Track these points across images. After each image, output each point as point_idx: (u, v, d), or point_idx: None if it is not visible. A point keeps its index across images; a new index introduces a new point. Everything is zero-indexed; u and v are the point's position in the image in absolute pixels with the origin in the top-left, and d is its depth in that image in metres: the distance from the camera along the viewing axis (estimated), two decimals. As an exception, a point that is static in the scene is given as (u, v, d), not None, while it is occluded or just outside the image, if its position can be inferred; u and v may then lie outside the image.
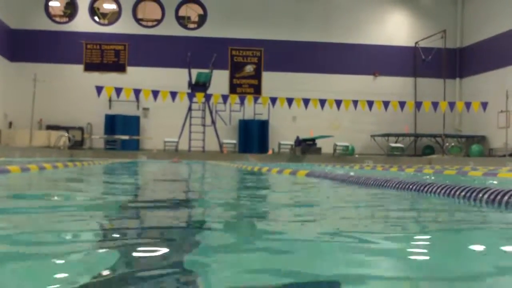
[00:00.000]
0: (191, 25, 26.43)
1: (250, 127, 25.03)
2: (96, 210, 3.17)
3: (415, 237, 2.27)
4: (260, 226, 2.59)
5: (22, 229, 2.33)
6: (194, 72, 22.62)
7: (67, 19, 25.64)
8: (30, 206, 3.35)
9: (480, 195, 3.12)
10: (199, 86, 22.47)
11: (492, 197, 3.01)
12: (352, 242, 2.07)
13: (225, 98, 21.77)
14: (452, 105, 22.59)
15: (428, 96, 24.44)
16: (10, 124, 23.77)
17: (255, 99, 22.83)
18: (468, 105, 21.47)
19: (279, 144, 23.72)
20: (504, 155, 20.90)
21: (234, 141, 23.88)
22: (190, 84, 22.72)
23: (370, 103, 20.83)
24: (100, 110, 24.26)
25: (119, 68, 25.33)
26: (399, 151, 23.52)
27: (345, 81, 25.81)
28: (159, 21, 25.95)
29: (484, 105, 21.05)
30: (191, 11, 26.53)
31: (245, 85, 26.03)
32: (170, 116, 23.44)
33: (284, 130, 24.91)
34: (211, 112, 23.21)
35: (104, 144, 23.68)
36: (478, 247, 2.00)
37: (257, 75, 26.16)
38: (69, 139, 22.00)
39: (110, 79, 24.08)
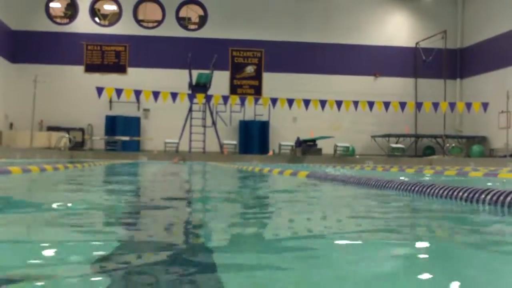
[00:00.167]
0: (192, 26, 26.44)
1: (250, 128, 25.03)
2: (97, 211, 3.16)
3: (417, 239, 2.27)
4: (262, 227, 2.58)
5: (22, 230, 2.33)
6: (195, 73, 22.64)
7: (67, 20, 25.66)
8: (30, 207, 3.35)
9: (483, 196, 3.11)
10: (199, 87, 22.48)
11: (495, 198, 3.01)
12: (353, 243, 2.06)
13: (225, 99, 21.77)
14: (452, 105, 22.58)
15: (428, 96, 24.43)
16: (11, 125, 23.77)
17: (256, 100, 22.82)
18: (468, 105, 21.46)
19: (280, 145, 23.72)
20: (505, 156, 20.89)
21: (235, 142, 23.89)
22: (190, 85, 22.74)
23: (371, 104, 20.82)
24: (100, 111, 24.27)
25: (120, 69, 25.34)
26: (400, 152, 23.52)
27: (346, 82, 25.80)
28: (159, 22, 25.96)
29: (485, 105, 21.04)
30: (192, 12, 26.54)
31: (246, 86, 26.03)
32: (171, 117, 23.44)
33: (285, 131, 24.91)
34: (211, 113, 23.21)
35: (105, 145, 23.68)
36: (481, 248, 1.99)
37: (258, 76, 26.16)
38: (70, 140, 22.01)
39: (110, 80, 24.09)
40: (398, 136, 24.74)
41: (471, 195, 3.22)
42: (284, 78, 25.71)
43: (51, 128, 23.72)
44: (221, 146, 22.93)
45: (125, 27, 25.66)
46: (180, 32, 25.87)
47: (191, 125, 22.95)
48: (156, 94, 20.20)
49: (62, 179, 7.09)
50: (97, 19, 25.86)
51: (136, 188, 5.80)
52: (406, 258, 1.80)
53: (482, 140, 24.59)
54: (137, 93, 20.50)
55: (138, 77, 24.72)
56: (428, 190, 3.81)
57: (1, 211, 3.09)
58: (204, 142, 22.84)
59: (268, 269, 1.58)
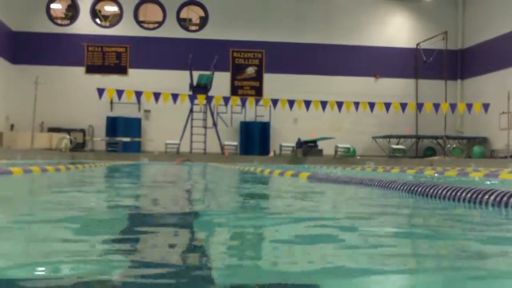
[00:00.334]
0: (193, 27, 26.45)
1: (251, 129, 25.03)
2: (97, 213, 3.16)
3: (419, 240, 2.27)
4: (264, 229, 2.58)
5: (22, 231, 2.33)
6: (196, 74, 22.65)
7: (68, 21, 25.68)
8: (30, 208, 3.35)
9: (486, 196, 3.11)
10: (200, 88, 22.48)
11: (498, 199, 3.00)
12: (355, 245, 2.06)
13: (226, 100, 21.77)
14: (453, 106, 22.57)
15: (429, 97, 24.41)
16: (12, 126, 23.77)
17: (257, 101, 22.81)
18: (469, 106, 21.45)
19: (281, 146, 23.71)
20: (506, 157, 20.87)
21: (236, 143, 23.88)
22: (191, 86, 22.74)
23: (372, 105, 20.81)
24: (101, 112, 24.28)
25: (121, 70, 25.35)
26: (401, 153, 23.51)
27: (347, 83, 25.80)
28: (160, 23, 25.97)
29: (486, 106, 21.03)
30: (193, 13, 26.55)
31: (247, 87, 26.03)
32: (172, 118, 23.44)
33: (286, 132, 24.90)
34: (212, 114, 23.22)
35: (106, 146, 23.68)
36: (483, 250, 1.99)
37: (258, 77, 26.16)
38: (71, 142, 22.01)
39: (111, 81, 24.09)
40: (399, 137, 24.72)
41: (474, 195, 3.22)
42: (285, 79, 25.71)
43: (52, 129, 23.71)
44: (222, 147, 22.93)
45: (126, 28, 25.67)
46: (181, 33, 25.88)
47: (192, 126, 22.96)
48: (157, 95, 20.20)
49: (62, 180, 7.09)
50: (98, 20, 25.87)
51: (136, 190, 5.80)
52: (407, 259, 1.80)
53: (483, 141, 24.57)
54: (138, 94, 20.50)
55: (139, 78, 24.72)
56: (431, 191, 3.81)
57: (1, 211, 3.09)
58: (205, 143, 22.84)
59: (272, 271, 1.58)
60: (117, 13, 25.95)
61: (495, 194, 3.06)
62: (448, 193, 3.51)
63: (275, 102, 21.03)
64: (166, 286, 1.35)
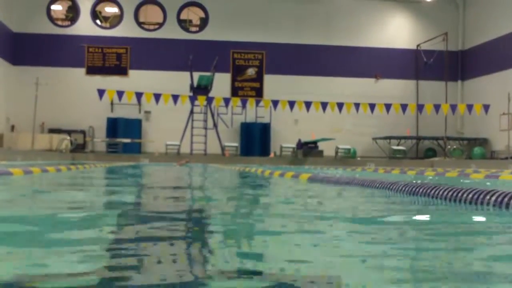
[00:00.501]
0: (193, 28, 26.46)
1: (251, 130, 25.03)
2: (97, 214, 3.16)
3: (420, 240, 2.27)
4: (266, 232, 2.58)
5: (22, 232, 2.33)
6: (196, 75, 22.66)
7: (69, 22, 25.70)
8: (30, 209, 3.35)
9: (488, 197, 3.11)
10: (201, 89, 22.49)
11: (499, 199, 3.00)
12: (357, 247, 2.06)
13: (227, 101, 21.76)
14: (454, 107, 22.56)
15: (430, 98, 24.42)
16: (13, 127, 23.78)
17: (257, 102, 22.81)
18: (470, 107, 21.44)
19: (281, 147, 23.71)
20: (506, 158, 20.87)
21: (236, 144, 23.88)
22: (192, 87, 22.76)
23: (372, 106, 20.79)
24: (102, 113, 24.28)
25: (121, 71, 25.36)
26: (401, 154, 23.51)
27: (347, 84, 25.79)
28: (160, 25, 25.97)
29: (486, 107, 21.02)
30: (193, 14, 26.56)
31: (247, 88, 26.04)
32: (172, 119, 23.43)
33: (286, 133, 24.89)
34: (212, 115, 23.22)
35: (106, 147, 23.69)
36: (486, 251, 1.99)
37: (259, 78, 26.16)
38: (71, 143, 22.01)
39: (112, 82, 24.09)
40: (399, 138, 24.72)
41: (475, 196, 3.22)
42: (286, 80, 25.71)
43: (52, 131, 23.71)
44: (223, 148, 22.94)
45: (126, 29, 25.68)
46: (181, 35, 25.89)
47: (192, 127, 22.97)
48: (157, 96, 20.20)
49: (63, 181, 7.09)
50: (98, 22, 25.88)
51: (137, 191, 5.80)
52: (408, 260, 1.80)
53: (483, 142, 24.57)
54: (139, 95, 20.50)
55: (140, 79, 24.73)
56: (432, 191, 3.81)
57: (2, 212, 3.09)
58: (205, 144, 22.85)
59: (273, 272, 1.58)
60: (118, 14, 25.96)
61: (496, 194, 3.06)
62: (450, 194, 3.51)
63: (275, 103, 21.03)
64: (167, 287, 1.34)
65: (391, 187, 4.54)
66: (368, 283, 1.43)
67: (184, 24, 26.25)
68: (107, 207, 3.63)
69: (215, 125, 23.16)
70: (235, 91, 25.79)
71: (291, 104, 20.69)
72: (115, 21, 25.99)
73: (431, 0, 26.42)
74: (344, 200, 4.53)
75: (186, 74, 22.85)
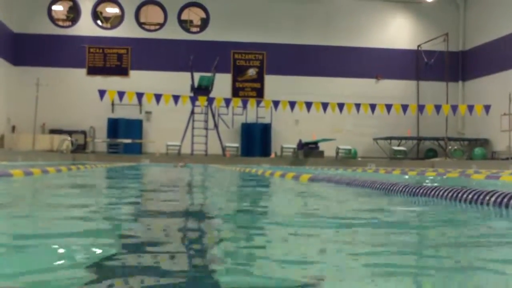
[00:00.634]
0: (194, 29, 26.47)
1: (252, 131, 25.03)
2: (98, 215, 3.16)
3: (421, 242, 2.27)
4: (268, 233, 2.58)
5: (22, 234, 2.33)
6: (197, 75, 22.67)
7: (70, 23, 25.71)
8: (30, 210, 3.35)
9: (487, 198, 3.10)
10: (201, 90, 22.50)
11: (499, 200, 3.00)
12: (357, 246, 2.06)
13: (227, 101, 21.76)
14: (454, 108, 22.55)
15: (430, 99, 24.40)
16: (13, 128, 23.79)
17: (258, 103, 22.81)
18: (470, 108, 21.43)
19: (282, 148, 23.70)
20: (507, 158, 20.85)
21: (237, 145, 23.87)
22: (192, 88, 22.77)
23: (373, 107, 20.78)
24: (102, 114, 24.28)
25: (122, 72, 25.37)
26: (402, 154, 23.50)
27: (348, 85, 25.79)
28: (161, 25, 25.98)
29: (487, 108, 21.00)
30: (194, 15, 26.57)
31: (248, 89, 26.04)
32: (173, 120, 23.44)
33: (287, 134, 24.89)
34: (213, 116, 23.23)
35: (107, 148, 23.70)
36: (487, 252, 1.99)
37: (260, 79, 26.17)
38: (72, 143, 22.02)
39: (112, 83, 24.11)
40: (400, 138, 24.71)
41: (475, 197, 3.22)
42: (286, 81, 25.71)
43: (53, 131, 23.72)
44: (223, 148, 22.94)
45: (127, 30, 25.69)
46: (182, 35, 25.90)
47: (193, 128, 22.97)
48: (158, 97, 20.21)
49: (63, 181, 7.09)
50: (99, 22, 25.89)
51: (137, 192, 5.80)
52: (410, 262, 1.80)
53: (484, 142, 24.55)
54: (139, 95, 20.50)
55: (140, 79, 24.74)
56: (433, 192, 3.81)
57: (2, 212, 3.09)
58: (206, 144, 22.86)
59: (275, 275, 1.58)
60: (118, 14, 25.97)
61: (496, 195, 3.06)
62: (450, 194, 3.51)
63: (276, 103, 21.03)
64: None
65: (391, 188, 4.54)
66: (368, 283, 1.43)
67: (184, 25, 26.26)
68: (107, 208, 3.63)
69: (215, 126, 23.16)
70: (235, 92, 25.79)
71: (292, 104, 20.68)
72: (116, 21, 26.00)
73: (432, 1, 26.41)
74: (344, 200, 4.53)
75: (187, 75, 22.86)
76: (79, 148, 23.03)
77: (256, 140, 24.82)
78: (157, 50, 25.38)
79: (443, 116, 23.60)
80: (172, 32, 25.74)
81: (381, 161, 22.26)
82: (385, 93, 25.38)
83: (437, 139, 24.86)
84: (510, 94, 21.16)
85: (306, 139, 23.16)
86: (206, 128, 23.13)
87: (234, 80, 26.05)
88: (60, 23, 25.65)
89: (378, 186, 4.82)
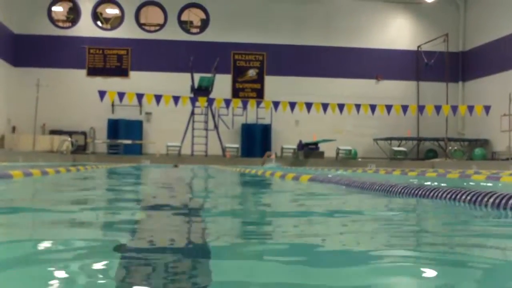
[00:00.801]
0: (194, 30, 26.47)
1: (252, 131, 25.03)
2: (98, 217, 3.17)
3: (422, 243, 2.27)
4: (269, 235, 2.58)
5: (22, 235, 2.33)
6: (197, 76, 22.67)
7: (70, 24, 25.72)
8: (30, 211, 3.35)
9: (486, 199, 3.11)
10: (201, 91, 22.50)
11: (497, 201, 3.00)
12: (359, 250, 2.06)
13: (227, 102, 21.77)
14: (454, 108, 22.55)
15: (430, 99, 24.40)
16: (14, 128, 23.80)
17: (258, 103, 22.81)
18: (471, 108, 21.43)
19: (282, 148, 23.70)
20: (507, 159, 20.85)
21: (237, 145, 23.87)
22: (192, 89, 22.77)
23: (373, 107, 20.79)
24: (103, 114, 24.29)
25: (122, 72, 25.38)
26: (402, 155, 23.49)
27: (348, 85, 25.79)
28: (161, 26, 25.99)
29: (487, 108, 21.00)
30: (194, 16, 26.57)
31: (248, 89, 26.05)
32: (173, 121, 23.45)
33: (287, 134, 24.89)
34: (213, 117, 23.23)
35: (107, 148, 23.70)
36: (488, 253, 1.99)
37: (260, 79, 26.17)
38: (72, 144, 22.03)
39: (113, 83, 24.11)
40: (400, 139, 24.70)
41: (474, 197, 3.22)
42: (286, 81, 25.71)
43: (53, 132, 23.73)
44: (223, 149, 22.94)
45: (127, 30, 25.69)
46: (182, 36, 25.90)
47: (193, 129, 22.98)
48: (158, 98, 20.21)
49: (64, 182, 7.10)
50: (99, 23, 25.90)
51: (138, 193, 5.81)
52: (410, 262, 1.80)
53: (484, 143, 24.54)
54: (139, 96, 20.51)
55: (140, 80, 24.74)
56: (432, 193, 3.81)
57: (3, 213, 3.09)
58: (206, 145, 22.86)
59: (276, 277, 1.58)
60: (118, 15, 25.98)
61: (494, 196, 3.06)
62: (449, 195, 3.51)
63: (276, 104, 21.03)
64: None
65: (390, 189, 4.55)
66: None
67: (185, 26, 26.27)
68: (103, 208, 3.64)
69: (216, 126, 23.16)
70: (235, 92, 25.80)
71: (292, 105, 20.68)
72: (116, 22, 26.01)
73: (432, 1, 26.41)
74: (344, 201, 4.53)
75: (187, 76, 22.87)
76: (79, 149, 23.04)
77: (256, 141, 24.82)
78: (157, 51, 25.38)
79: (443, 116, 23.60)
80: (172, 33, 25.75)
81: (381, 161, 22.26)
82: (385, 94, 25.39)
83: (437, 139, 24.86)
84: (510, 94, 21.16)
85: (306, 139, 23.16)
86: (206, 129, 23.14)
87: (234, 81, 26.06)
88: (60, 24, 25.66)
89: (377, 187, 4.82)
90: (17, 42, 24.44)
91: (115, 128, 24.33)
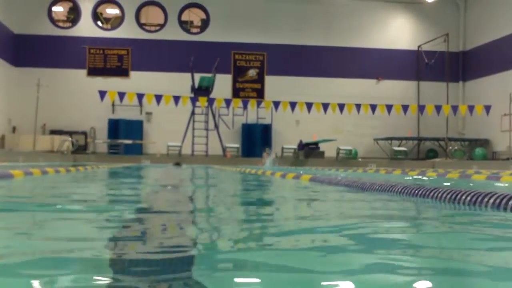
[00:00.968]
0: (194, 30, 26.47)
1: (253, 131, 25.03)
2: (98, 217, 3.17)
3: (421, 243, 2.27)
4: (269, 235, 2.58)
5: (22, 234, 2.34)
6: (197, 76, 22.67)
7: (70, 24, 25.73)
8: (30, 212, 3.36)
9: (486, 199, 3.11)
10: (202, 91, 22.51)
11: (497, 201, 3.01)
12: (360, 250, 2.06)
13: (228, 102, 21.78)
14: (455, 108, 22.56)
15: (431, 99, 24.39)
16: (14, 129, 23.81)
17: (258, 103, 22.83)
18: (471, 108, 21.43)
19: (282, 148, 23.71)
20: (508, 158, 20.85)
21: (237, 145, 23.88)
22: (193, 89, 22.78)
23: (373, 107, 20.80)
24: (103, 114, 24.30)
25: (122, 72, 25.38)
26: (402, 155, 23.50)
27: (348, 85, 25.79)
28: (162, 26, 25.99)
29: (487, 108, 21.01)
30: (194, 16, 26.58)
31: (248, 89, 26.05)
32: (173, 121, 23.46)
33: (287, 134, 24.89)
34: (214, 116, 23.23)
35: (107, 148, 23.71)
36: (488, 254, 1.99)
37: (260, 79, 26.17)
38: (73, 144, 22.04)
39: (113, 83, 24.11)
40: (400, 139, 24.71)
41: (474, 198, 3.22)
42: (287, 81, 25.71)
43: (54, 132, 23.74)
44: (224, 149, 22.94)
45: (128, 31, 25.70)
46: (183, 36, 25.90)
47: (193, 129, 22.98)
48: (158, 98, 20.22)
49: (64, 182, 7.10)
50: (99, 23, 25.90)
51: (138, 193, 5.80)
52: (410, 262, 1.81)
53: (484, 143, 24.54)
54: (140, 96, 20.52)
55: (141, 80, 24.74)
56: (432, 193, 3.81)
57: (4, 212, 3.10)
58: (206, 145, 22.86)
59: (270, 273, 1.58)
60: (119, 15, 25.99)
61: (495, 196, 3.06)
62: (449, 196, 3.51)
63: (276, 104, 21.04)
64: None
65: (390, 189, 4.55)
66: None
67: (185, 26, 26.27)
68: (104, 211, 3.64)
69: (216, 126, 23.17)
70: (236, 92, 25.80)
71: (292, 105, 20.69)
72: (116, 22, 26.01)
73: (432, 1, 26.41)
74: (344, 201, 4.53)
75: (187, 75, 22.87)
76: (80, 149, 23.05)
77: (256, 141, 24.82)
78: (158, 51, 25.39)
79: (444, 116, 23.60)
80: (173, 33, 25.75)
81: (381, 161, 22.27)
82: (386, 94, 25.39)
83: (437, 139, 24.86)
84: (510, 94, 21.16)
85: (306, 139, 23.16)
86: (207, 129, 23.14)
87: (235, 81, 26.07)
88: (61, 24, 25.66)
89: (377, 187, 4.83)
90: (18, 42, 24.45)
91: (116, 128, 24.34)
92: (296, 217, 3.25)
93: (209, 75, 22.89)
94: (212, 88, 22.85)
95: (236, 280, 1.49)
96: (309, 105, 20.70)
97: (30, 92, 22.13)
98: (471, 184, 7.68)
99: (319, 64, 26.06)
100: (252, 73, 26.13)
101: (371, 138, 25.18)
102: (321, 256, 1.87)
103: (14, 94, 23.74)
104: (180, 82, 23.63)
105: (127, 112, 24.48)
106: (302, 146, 22.81)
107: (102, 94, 20.03)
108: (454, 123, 25.89)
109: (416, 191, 4.10)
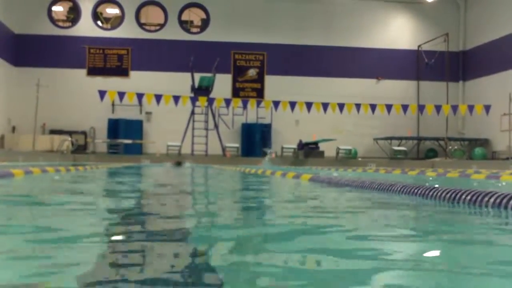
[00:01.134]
0: (194, 30, 26.47)
1: (252, 131, 25.02)
2: (98, 217, 3.17)
3: (421, 243, 2.27)
4: (269, 236, 2.59)
5: (22, 234, 2.34)
6: (197, 76, 22.67)
7: (70, 23, 25.72)
8: (30, 211, 3.36)
9: (486, 199, 3.11)
10: (202, 90, 22.50)
11: (498, 201, 3.01)
12: (359, 251, 2.06)
13: (228, 102, 21.78)
14: (455, 108, 22.56)
15: (431, 99, 24.39)
16: (14, 128, 23.81)
17: (258, 103, 22.83)
18: (471, 108, 21.43)
19: (282, 148, 23.71)
20: (507, 158, 20.86)
21: (237, 145, 23.88)
22: (193, 88, 22.77)
23: (373, 107, 20.80)
24: (103, 114, 24.29)
25: (122, 72, 25.37)
26: (402, 154, 23.50)
27: (348, 85, 25.79)
28: (162, 26, 25.98)
29: (487, 108, 21.01)
30: (194, 16, 26.57)
31: (248, 89, 26.05)
32: (173, 120, 23.45)
33: (287, 134, 24.89)
34: (213, 116, 23.23)
35: (107, 148, 23.70)
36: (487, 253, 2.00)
37: (260, 79, 26.17)
38: (72, 144, 22.03)
39: (113, 83, 24.11)
40: (400, 138, 24.71)
41: (474, 197, 3.22)
42: (286, 81, 25.71)
43: (53, 132, 23.73)
44: (224, 149, 22.94)
45: (128, 30, 25.69)
46: (183, 36, 25.89)
47: (193, 128, 22.97)
48: (158, 97, 20.22)
49: (64, 182, 7.10)
50: (99, 23, 25.90)
51: (138, 193, 5.81)
52: (410, 262, 1.81)
53: (484, 142, 24.55)
54: (140, 96, 20.52)
55: (141, 80, 24.74)
56: (431, 193, 3.81)
57: (5, 212, 3.10)
58: (206, 145, 22.86)
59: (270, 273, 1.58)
60: (119, 15, 25.98)
61: (495, 196, 3.06)
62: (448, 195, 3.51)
63: (276, 104, 21.04)
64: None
65: (389, 188, 4.55)
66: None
67: (185, 25, 26.26)
68: (103, 211, 3.64)
69: (216, 126, 23.16)
70: (236, 92, 25.80)
71: (292, 105, 20.69)
72: (116, 22, 26.01)
73: (432, 1, 26.41)
74: (344, 201, 4.53)
75: (187, 75, 22.87)
76: (80, 149, 23.03)
77: (256, 141, 24.81)
78: (158, 50, 25.38)
79: (443, 116, 23.60)
80: (173, 32, 25.74)
81: (381, 161, 22.25)
82: (386, 93, 25.40)
83: (437, 139, 24.85)
84: (510, 94, 21.16)
85: (306, 139, 23.16)
86: (207, 129, 23.14)
87: (235, 81, 26.06)
88: (60, 23, 25.66)
89: (376, 186, 4.83)
90: (18, 42, 24.44)
91: (115, 127, 24.32)
92: (292, 216, 3.26)
93: (209, 74, 22.89)
94: (212, 88, 22.84)
95: (236, 280, 1.49)
96: (309, 105, 20.70)
97: (30, 92, 22.12)
98: (475, 184, 7.69)
99: (319, 64, 26.06)
100: (252, 72, 26.13)
101: (371, 138, 25.18)
102: (321, 256, 1.87)
103: (14, 94, 23.74)
104: (180, 81, 23.63)
105: (127, 112, 24.47)
106: (302, 145, 22.81)
107: (102, 93, 20.03)
108: (454, 123, 25.89)
109: (416, 190, 4.10)
